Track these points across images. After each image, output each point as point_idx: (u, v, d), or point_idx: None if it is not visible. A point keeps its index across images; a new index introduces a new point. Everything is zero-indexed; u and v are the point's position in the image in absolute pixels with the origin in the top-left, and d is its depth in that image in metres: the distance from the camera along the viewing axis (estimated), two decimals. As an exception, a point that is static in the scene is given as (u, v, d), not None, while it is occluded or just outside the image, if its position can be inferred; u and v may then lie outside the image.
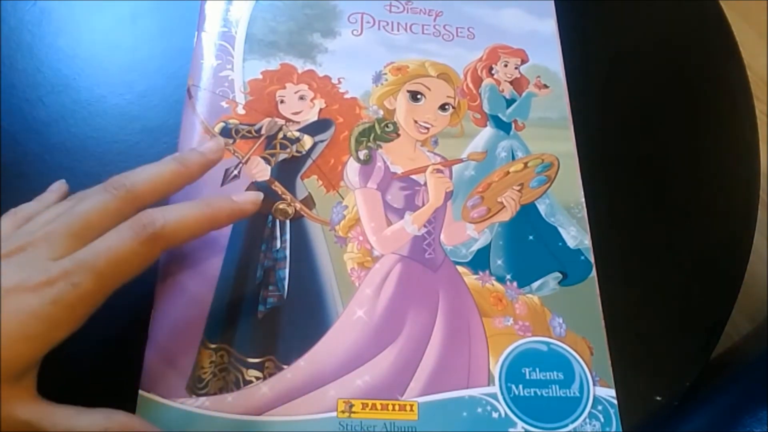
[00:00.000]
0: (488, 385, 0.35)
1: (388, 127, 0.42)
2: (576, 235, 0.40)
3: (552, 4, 0.49)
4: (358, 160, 0.41)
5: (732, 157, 0.47)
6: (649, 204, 0.44)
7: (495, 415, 0.34)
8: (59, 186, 0.37)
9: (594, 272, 0.39)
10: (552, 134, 0.44)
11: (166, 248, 0.30)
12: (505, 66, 0.46)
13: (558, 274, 0.39)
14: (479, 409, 0.34)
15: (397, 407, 0.34)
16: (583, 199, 0.41)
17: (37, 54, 0.43)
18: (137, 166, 0.40)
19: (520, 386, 0.35)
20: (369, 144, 0.42)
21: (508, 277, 0.38)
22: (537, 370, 0.36)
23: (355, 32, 0.46)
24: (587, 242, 0.40)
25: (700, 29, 0.53)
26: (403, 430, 0.33)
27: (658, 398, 0.37)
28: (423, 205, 0.40)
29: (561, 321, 0.37)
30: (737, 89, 0.50)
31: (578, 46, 0.47)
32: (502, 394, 0.35)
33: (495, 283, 0.38)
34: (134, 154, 0.41)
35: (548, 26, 0.48)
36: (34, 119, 0.41)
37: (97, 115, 0.42)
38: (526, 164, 0.42)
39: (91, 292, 0.27)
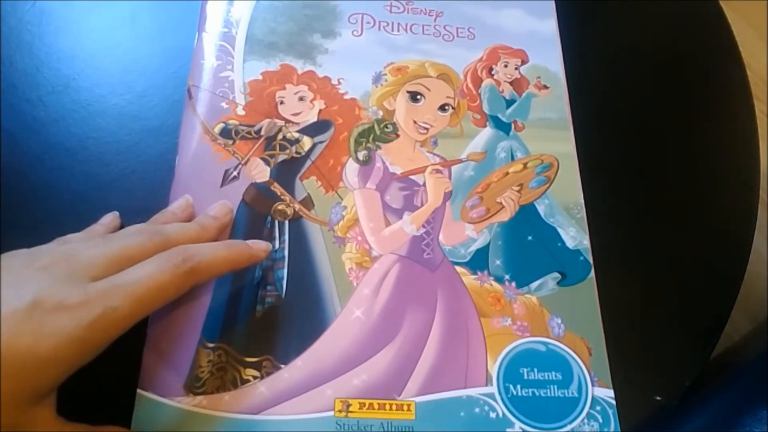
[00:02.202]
0: (486, 385, 0.35)
1: (387, 127, 0.42)
2: (575, 235, 0.40)
3: (552, 4, 0.49)
4: (357, 160, 0.41)
5: (732, 157, 0.47)
6: (649, 204, 0.44)
7: (493, 415, 0.34)
8: (111, 219, 0.37)
9: (593, 273, 0.39)
10: (552, 135, 0.43)
11: (195, 283, 0.31)
12: (505, 66, 0.46)
13: (557, 275, 0.39)
14: (477, 409, 0.34)
15: (394, 407, 0.34)
16: (583, 200, 0.41)
17: (37, 54, 0.44)
18: (137, 166, 0.41)
19: (518, 386, 0.35)
20: (368, 145, 0.42)
21: (507, 277, 0.38)
22: (535, 370, 0.36)
23: (355, 33, 0.46)
24: (586, 243, 0.40)
25: (700, 29, 0.52)
26: (400, 429, 0.33)
27: (658, 398, 0.37)
28: (422, 205, 0.40)
29: (559, 321, 0.37)
30: (737, 89, 0.50)
31: (579, 47, 0.47)
32: (500, 394, 0.35)
33: (493, 283, 0.38)
34: (134, 154, 0.41)
35: (548, 26, 0.48)
36: (34, 119, 0.42)
37: (97, 115, 0.42)
38: (525, 165, 0.42)
39: (126, 317, 0.28)
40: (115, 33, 0.45)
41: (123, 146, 0.41)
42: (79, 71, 0.44)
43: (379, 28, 0.46)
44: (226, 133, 0.41)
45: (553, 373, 0.36)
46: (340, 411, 0.34)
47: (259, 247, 0.35)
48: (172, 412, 0.33)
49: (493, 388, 0.35)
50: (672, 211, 0.44)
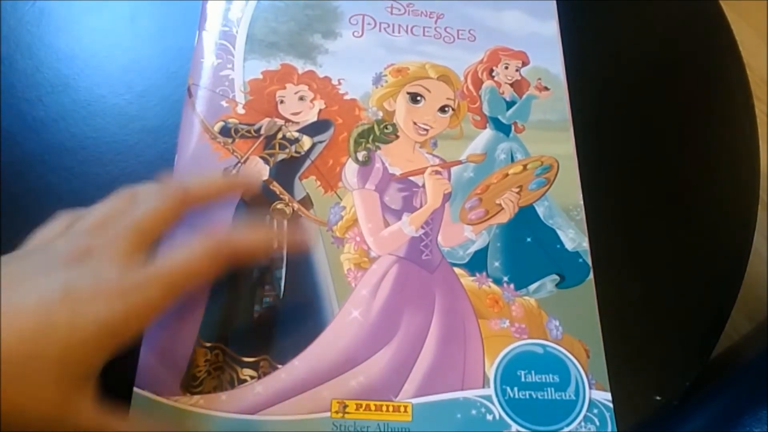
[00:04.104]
0: (483, 387, 0.35)
1: (387, 128, 0.42)
2: (574, 237, 0.40)
3: (554, 5, 0.49)
4: (356, 161, 0.41)
5: (732, 157, 0.47)
6: (649, 204, 0.44)
7: (489, 417, 0.34)
8: None
9: (591, 275, 0.39)
10: (552, 137, 0.43)
11: (228, 266, 0.32)
12: (506, 68, 0.46)
13: (555, 277, 0.38)
14: (473, 411, 0.34)
15: (391, 408, 0.34)
16: (582, 202, 0.41)
17: (37, 54, 0.44)
18: (137, 166, 0.41)
19: (515, 388, 0.35)
20: (368, 145, 0.42)
21: (505, 279, 0.38)
22: (532, 372, 0.36)
23: (356, 33, 0.46)
24: (585, 245, 0.40)
25: (700, 29, 0.53)
26: (396, 431, 0.33)
27: (658, 398, 0.37)
28: (421, 206, 0.40)
29: (557, 323, 0.37)
30: (737, 89, 0.50)
31: (579, 48, 0.47)
32: (496, 396, 0.35)
33: (492, 285, 0.38)
34: (134, 154, 0.41)
35: (550, 28, 0.48)
36: (34, 119, 0.41)
37: (97, 115, 0.42)
38: (525, 166, 0.42)
39: (160, 305, 0.29)
40: (115, 33, 0.45)
41: (123, 146, 0.41)
42: (79, 71, 0.43)
43: (380, 30, 0.46)
44: (225, 131, 0.41)
45: (551, 375, 0.35)
46: (336, 412, 0.33)
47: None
48: (168, 411, 0.32)
49: (490, 390, 0.35)
50: (672, 211, 0.44)
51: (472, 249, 0.39)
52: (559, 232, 0.40)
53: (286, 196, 0.39)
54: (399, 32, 0.46)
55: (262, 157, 0.40)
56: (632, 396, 0.37)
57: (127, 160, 0.41)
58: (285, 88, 0.43)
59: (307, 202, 0.40)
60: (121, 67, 0.44)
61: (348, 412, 0.34)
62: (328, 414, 0.33)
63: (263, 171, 0.40)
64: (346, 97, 0.43)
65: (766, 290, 0.82)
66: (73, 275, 0.27)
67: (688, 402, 0.38)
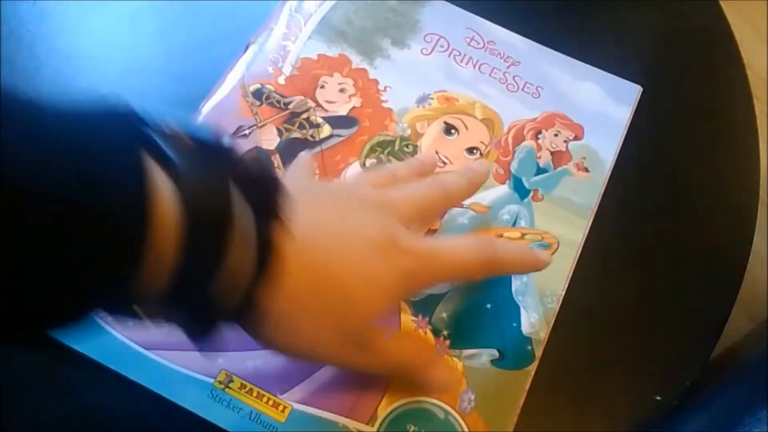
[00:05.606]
0: (368, 424, 0.33)
1: (407, 147, 0.42)
2: (535, 323, 0.37)
3: (638, 92, 0.45)
4: (363, 166, 0.41)
5: (732, 156, 0.46)
6: (650, 202, 0.43)
7: (358, 455, 0.33)
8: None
9: (532, 367, 0.36)
10: (566, 218, 0.41)
11: (487, 276, 0.35)
12: (555, 135, 0.43)
13: (495, 353, 0.36)
14: (345, 442, 0.33)
15: (271, 402, 0.33)
16: (563, 293, 0.38)
17: (37, 54, 0.44)
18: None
19: (398, 440, 0.33)
20: (381, 155, 0.41)
21: (444, 333, 0.36)
22: (422, 432, 0.34)
23: (424, 51, 0.45)
24: (542, 335, 0.37)
25: (700, 29, 0.51)
26: (265, 425, 0.33)
27: (658, 398, 0.37)
28: (402, 231, 0.39)
29: (472, 397, 0.35)
30: (737, 89, 0.48)
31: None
32: (376, 438, 0.33)
33: (429, 332, 0.36)
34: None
35: (622, 113, 0.45)
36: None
37: (97, 115, 0.43)
38: (523, 235, 0.40)
39: (434, 279, 0.33)
40: (116, 33, 0.45)
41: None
42: (79, 71, 0.44)
43: (450, 55, 0.45)
44: (258, 94, 0.42)
45: (438, 444, 0.33)
46: (220, 382, 0.34)
47: (545, 258, 0.36)
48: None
49: (372, 430, 0.33)
50: (672, 210, 0.43)
51: (427, 291, 0.37)
52: (522, 312, 0.37)
53: (282, 172, 0.40)
54: (467, 64, 0.45)
55: (278, 128, 0.41)
56: (632, 396, 0.37)
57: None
58: (332, 76, 0.44)
59: (299, 184, 0.40)
60: (121, 68, 0.44)
61: (230, 388, 0.34)
62: (212, 380, 0.34)
63: (272, 141, 0.41)
64: (384, 105, 0.43)
65: (766, 290, 0.80)
66: (391, 223, 0.30)
67: (688, 402, 0.38)
